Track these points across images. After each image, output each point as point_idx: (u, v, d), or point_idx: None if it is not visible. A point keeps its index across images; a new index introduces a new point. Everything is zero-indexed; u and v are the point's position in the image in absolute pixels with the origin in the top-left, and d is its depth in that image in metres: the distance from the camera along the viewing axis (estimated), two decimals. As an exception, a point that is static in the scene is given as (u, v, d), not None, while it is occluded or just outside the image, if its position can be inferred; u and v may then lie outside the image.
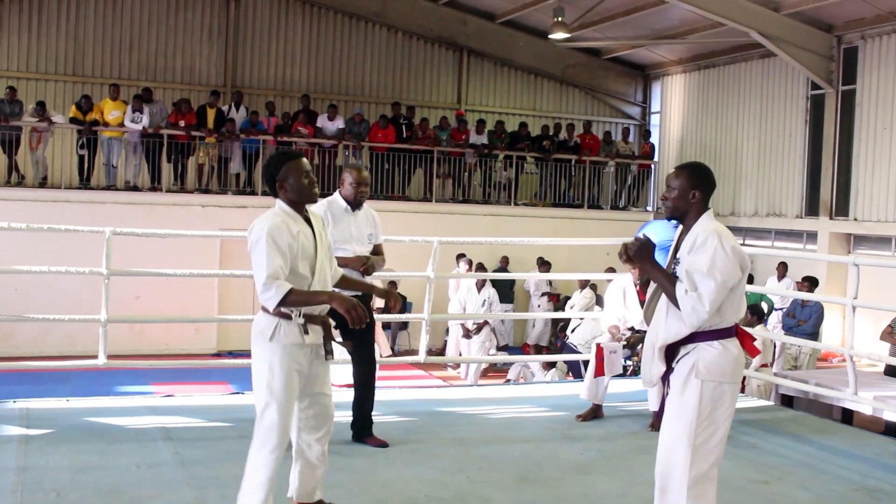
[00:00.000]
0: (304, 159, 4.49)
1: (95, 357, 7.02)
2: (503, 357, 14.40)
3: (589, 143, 20.28)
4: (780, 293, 15.04)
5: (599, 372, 7.07)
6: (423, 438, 6.37)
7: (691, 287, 4.00)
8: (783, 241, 19.10)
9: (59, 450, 5.67)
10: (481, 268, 15.92)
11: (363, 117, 18.59)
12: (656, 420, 6.87)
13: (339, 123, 18.04)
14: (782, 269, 15.67)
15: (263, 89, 20.15)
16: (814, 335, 13.17)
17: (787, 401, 9.15)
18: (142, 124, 16.43)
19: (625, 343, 7.21)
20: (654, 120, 23.24)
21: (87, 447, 5.73)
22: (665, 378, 4.21)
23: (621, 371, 7.41)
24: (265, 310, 4.32)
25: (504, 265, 18.07)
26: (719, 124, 20.63)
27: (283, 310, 4.26)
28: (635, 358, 7.45)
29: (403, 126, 18.73)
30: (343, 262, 5.46)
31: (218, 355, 16.00)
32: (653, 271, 4.19)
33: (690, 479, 4.06)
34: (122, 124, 16.51)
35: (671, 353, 4.18)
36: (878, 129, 16.48)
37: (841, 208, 17.38)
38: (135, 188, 16.88)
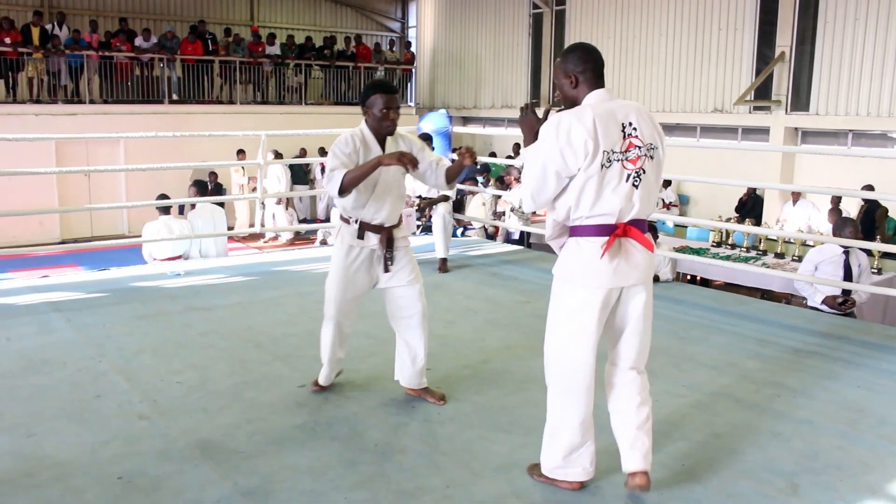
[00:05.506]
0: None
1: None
2: (306, 226, 14.76)
3: (362, 52, 20.19)
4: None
5: (398, 231, 7.36)
6: (270, 291, 6.29)
7: None
8: (515, 128, 19.91)
9: (-41, 327, 5.25)
10: (278, 155, 15.66)
11: (174, 34, 17.47)
12: (442, 264, 7.33)
13: (154, 41, 16.87)
14: (516, 149, 16.46)
15: (81, 10, 18.39)
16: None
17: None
18: (-32, 43, 14.69)
19: (416, 207, 7.52)
20: (413, 33, 23.29)
21: (-14, 323, 5.35)
22: None
23: (414, 230, 7.75)
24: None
25: (302, 154, 17.86)
26: (463, 36, 20.99)
27: (343, 215, 3.94)
28: (423, 219, 7.81)
29: (209, 40, 17.83)
30: None
31: (64, 243, 15.04)
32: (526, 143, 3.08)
33: (549, 375, 3.06)
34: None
35: None
36: (582, 40, 17.35)
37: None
38: (-32, 101, 15.19)
